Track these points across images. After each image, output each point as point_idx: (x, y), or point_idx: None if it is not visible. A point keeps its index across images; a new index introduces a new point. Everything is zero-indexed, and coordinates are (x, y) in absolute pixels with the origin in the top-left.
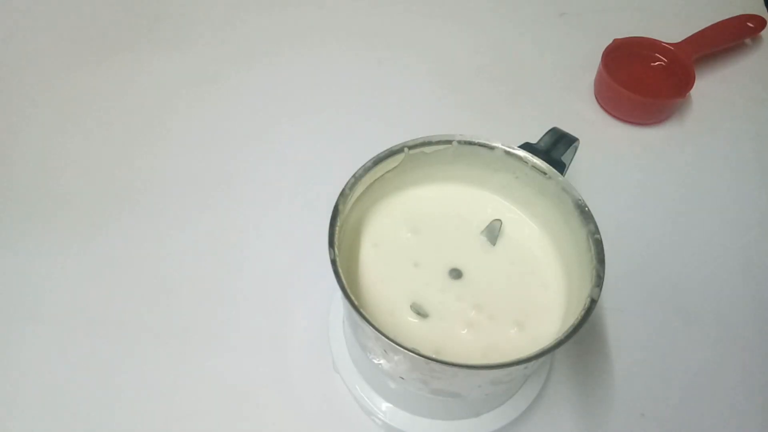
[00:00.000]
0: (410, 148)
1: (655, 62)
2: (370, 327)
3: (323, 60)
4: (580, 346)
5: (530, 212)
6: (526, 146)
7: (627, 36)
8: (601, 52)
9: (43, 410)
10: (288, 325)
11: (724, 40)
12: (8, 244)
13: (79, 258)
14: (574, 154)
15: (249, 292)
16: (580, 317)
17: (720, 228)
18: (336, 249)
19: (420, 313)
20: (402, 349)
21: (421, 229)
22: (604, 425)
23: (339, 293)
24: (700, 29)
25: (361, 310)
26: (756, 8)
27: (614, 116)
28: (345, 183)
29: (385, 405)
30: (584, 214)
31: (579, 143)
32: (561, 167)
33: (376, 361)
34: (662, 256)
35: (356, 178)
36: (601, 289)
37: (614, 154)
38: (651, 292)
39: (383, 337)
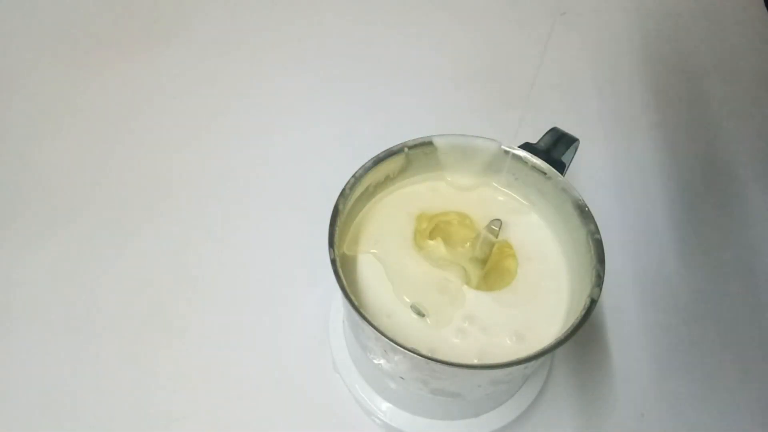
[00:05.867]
0: (410, 148)
1: None
2: (370, 327)
3: (323, 59)
4: (580, 346)
5: (530, 212)
6: (526, 146)
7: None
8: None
9: (40, 410)
10: (288, 325)
11: None
12: (3, 243)
13: (80, 258)
14: (574, 154)
15: (249, 292)
16: (580, 317)
17: (720, 227)
18: (336, 249)
19: (421, 313)
20: (402, 349)
21: (420, 230)
22: (604, 425)
23: (339, 293)
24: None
25: (361, 310)
26: (756, 8)
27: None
28: (345, 183)
29: (385, 405)
30: (584, 214)
31: (579, 143)
32: (561, 167)
33: (376, 361)
34: (662, 255)
35: (356, 178)
36: (601, 289)
37: (614, 154)
38: (651, 292)
39: (383, 337)
